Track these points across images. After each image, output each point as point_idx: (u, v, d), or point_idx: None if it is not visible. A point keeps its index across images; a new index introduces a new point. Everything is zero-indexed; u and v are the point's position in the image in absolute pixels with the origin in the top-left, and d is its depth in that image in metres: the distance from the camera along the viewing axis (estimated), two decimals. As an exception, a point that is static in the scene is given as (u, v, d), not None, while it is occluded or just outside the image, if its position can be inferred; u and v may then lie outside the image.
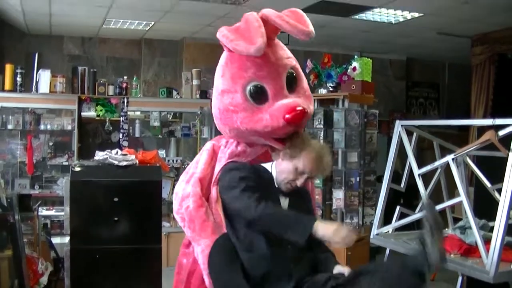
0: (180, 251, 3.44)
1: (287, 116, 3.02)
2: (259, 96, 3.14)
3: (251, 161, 3.31)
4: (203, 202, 3.19)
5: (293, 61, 3.30)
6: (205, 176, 3.26)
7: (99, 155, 4.29)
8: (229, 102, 3.19)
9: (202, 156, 3.34)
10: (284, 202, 3.14)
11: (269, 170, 3.18)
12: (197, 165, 3.32)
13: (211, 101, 7.59)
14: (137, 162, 4.28)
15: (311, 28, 3.13)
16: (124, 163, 4.20)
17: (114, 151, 4.28)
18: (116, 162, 4.21)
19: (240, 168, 3.15)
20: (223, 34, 3.07)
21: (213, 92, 3.42)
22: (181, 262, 3.40)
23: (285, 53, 3.28)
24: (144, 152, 4.47)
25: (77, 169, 4.26)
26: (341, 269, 3.00)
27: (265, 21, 3.04)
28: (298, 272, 2.99)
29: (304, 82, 3.36)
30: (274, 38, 3.27)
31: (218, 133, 8.01)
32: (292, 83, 3.24)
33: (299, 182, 3.08)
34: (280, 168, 3.12)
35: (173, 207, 3.28)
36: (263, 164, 3.24)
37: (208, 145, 3.41)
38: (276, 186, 3.13)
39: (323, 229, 2.79)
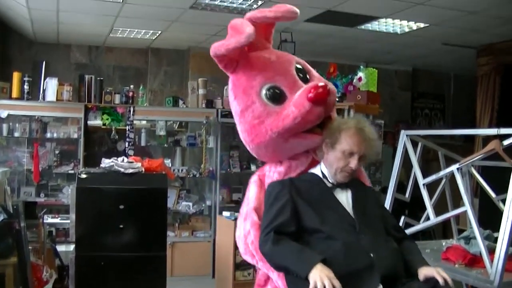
0: None
1: (310, 95, 2.91)
2: (276, 96, 3.06)
3: (300, 173, 3.18)
4: None
5: (295, 57, 3.26)
6: (259, 206, 3.10)
7: (105, 163, 4.32)
8: (252, 116, 3.08)
9: (251, 190, 3.21)
10: (346, 195, 2.99)
11: (318, 172, 3.07)
12: (248, 201, 3.18)
13: (217, 112, 7.69)
14: (143, 170, 4.30)
15: (293, 7, 3.09)
16: (130, 171, 4.23)
17: (120, 159, 4.31)
18: (122, 170, 4.23)
19: (275, 185, 3.05)
20: (213, 47, 3.00)
21: (235, 121, 3.27)
22: None
23: (285, 53, 3.28)
24: (150, 160, 4.51)
25: (83, 176, 4.29)
26: (428, 272, 2.78)
27: (253, 24, 2.98)
28: (382, 263, 2.76)
29: (315, 73, 3.29)
30: (269, 42, 3.29)
31: (224, 142, 8.06)
32: (303, 75, 3.18)
33: (353, 164, 2.92)
34: (328, 161, 3.00)
35: (240, 251, 3.14)
36: (311, 170, 3.13)
37: (253, 178, 3.27)
38: (331, 182, 3.00)
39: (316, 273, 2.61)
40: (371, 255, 2.76)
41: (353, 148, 2.92)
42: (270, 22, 3.25)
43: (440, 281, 2.71)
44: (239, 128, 3.22)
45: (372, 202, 3.05)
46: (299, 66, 3.21)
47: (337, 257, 2.73)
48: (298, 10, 3.10)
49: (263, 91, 3.07)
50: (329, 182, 3.03)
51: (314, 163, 3.16)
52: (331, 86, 3.09)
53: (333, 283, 2.56)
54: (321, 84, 2.97)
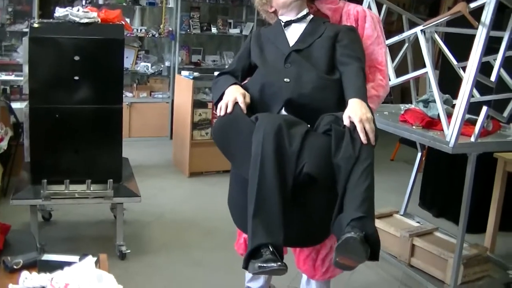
0: None
1: None
2: None
3: None
4: None
5: None
6: None
7: (60, 12, 4.12)
8: None
9: None
10: (299, 30, 3.01)
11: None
12: None
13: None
14: (99, 20, 4.13)
15: None
16: (86, 20, 4.05)
17: (75, 8, 4.12)
18: (77, 19, 4.05)
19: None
20: None
21: None
22: None
23: None
24: (107, 10, 4.31)
25: (36, 25, 4.11)
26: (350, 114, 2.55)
27: None
28: (297, 89, 2.77)
29: None
30: None
31: (184, 2, 7.90)
32: None
33: None
34: (279, 5, 3.09)
35: None
36: None
37: None
38: (287, 21, 3.05)
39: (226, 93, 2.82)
40: (286, 80, 2.80)
41: None
42: None
43: (360, 131, 2.51)
44: None
45: (328, 36, 2.96)
46: None
47: (256, 82, 2.90)
48: None
49: None
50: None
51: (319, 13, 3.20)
52: None
53: (237, 99, 2.74)
54: None
